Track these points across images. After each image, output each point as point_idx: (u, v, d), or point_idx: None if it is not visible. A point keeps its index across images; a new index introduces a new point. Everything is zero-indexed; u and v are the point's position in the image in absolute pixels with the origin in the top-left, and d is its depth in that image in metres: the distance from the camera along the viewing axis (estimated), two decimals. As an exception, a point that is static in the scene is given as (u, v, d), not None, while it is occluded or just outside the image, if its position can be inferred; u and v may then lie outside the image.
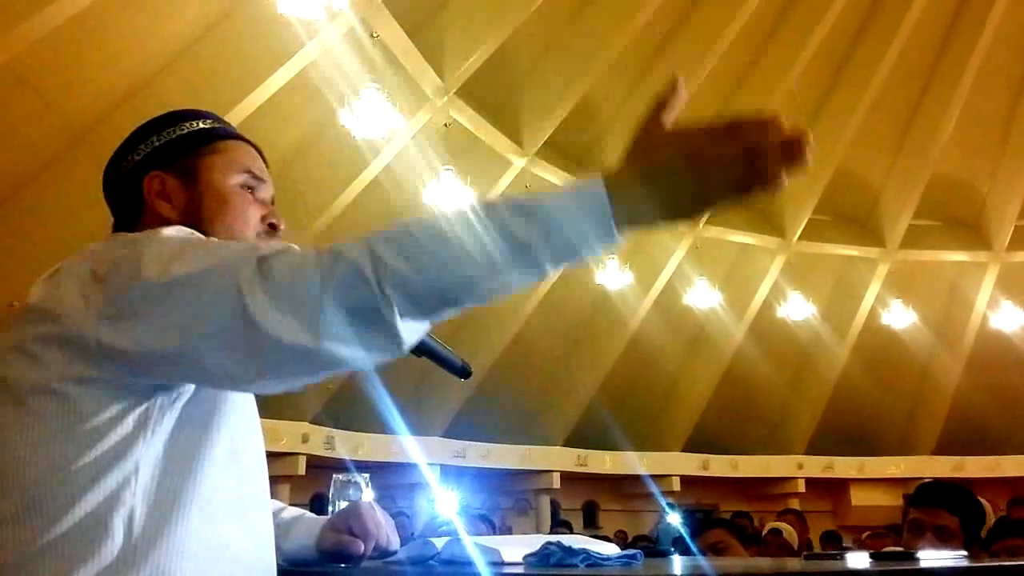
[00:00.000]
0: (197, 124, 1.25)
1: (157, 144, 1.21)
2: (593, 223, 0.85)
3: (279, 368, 0.89)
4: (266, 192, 1.26)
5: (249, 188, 1.23)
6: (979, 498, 2.56)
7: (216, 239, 1.06)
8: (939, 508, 2.32)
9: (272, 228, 1.23)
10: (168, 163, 1.20)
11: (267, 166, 1.30)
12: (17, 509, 0.95)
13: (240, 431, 1.07)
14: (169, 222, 1.14)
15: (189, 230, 1.07)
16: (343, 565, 1.30)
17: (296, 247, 0.91)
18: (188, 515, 0.97)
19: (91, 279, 0.98)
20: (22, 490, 0.95)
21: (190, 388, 1.02)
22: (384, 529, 1.33)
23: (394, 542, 1.35)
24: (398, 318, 0.85)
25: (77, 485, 0.94)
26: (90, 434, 0.95)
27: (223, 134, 1.27)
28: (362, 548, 1.29)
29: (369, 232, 0.87)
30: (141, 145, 1.21)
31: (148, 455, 0.97)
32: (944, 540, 2.25)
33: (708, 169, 0.87)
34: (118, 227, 1.20)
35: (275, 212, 1.26)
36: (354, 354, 0.87)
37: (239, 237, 1.18)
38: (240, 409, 1.08)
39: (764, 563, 2.06)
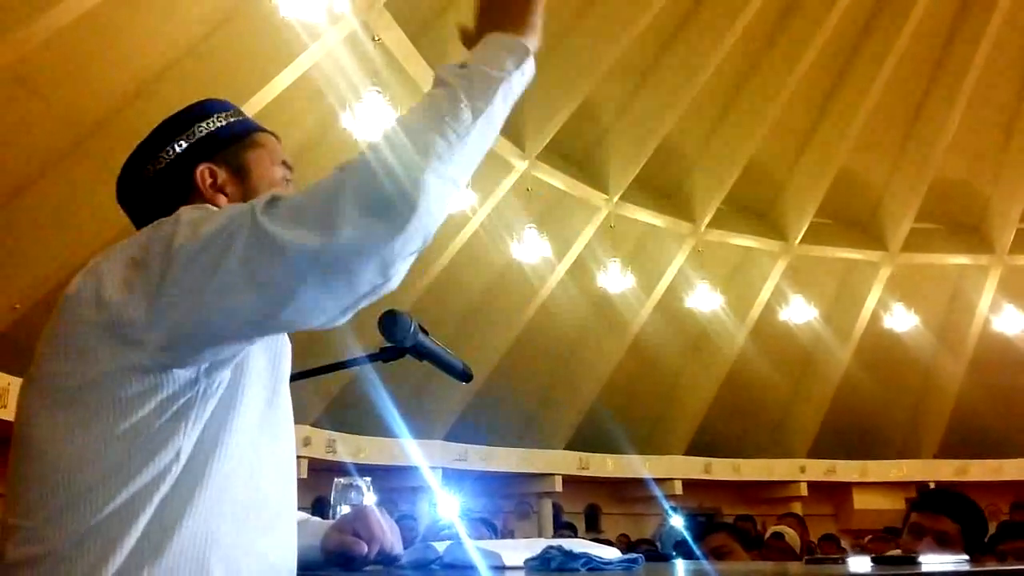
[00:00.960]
0: (230, 116, 1.26)
1: (201, 135, 1.21)
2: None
3: (306, 283, 0.91)
4: (295, 181, 1.30)
5: (288, 180, 1.27)
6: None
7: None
8: (941, 514, 2.33)
9: None
10: (212, 155, 1.20)
11: None
12: (63, 504, 0.96)
13: (269, 435, 1.08)
14: None
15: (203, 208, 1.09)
16: (346, 569, 1.30)
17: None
18: (218, 506, 0.99)
19: (131, 264, 0.99)
20: (67, 486, 0.96)
21: (226, 379, 1.02)
22: (389, 533, 1.33)
23: (398, 547, 1.34)
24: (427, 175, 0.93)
25: (120, 480, 0.96)
26: (135, 429, 0.97)
27: (256, 127, 1.29)
28: (365, 550, 1.28)
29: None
30: (180, 137, 1.21)
31: (186, 448, 0.98)
32: (944, 546, 2.25)
33: None
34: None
35: None
36: (371, 232, 0.89)
37: None
38: (272, 416, 1.09)
39: (766, 567, 2.06)
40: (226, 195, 1.19)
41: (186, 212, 1.01)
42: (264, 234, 0.90)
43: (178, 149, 1.20)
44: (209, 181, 1.19)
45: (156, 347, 0.96)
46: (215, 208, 1.09)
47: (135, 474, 0.96)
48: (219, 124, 1.23)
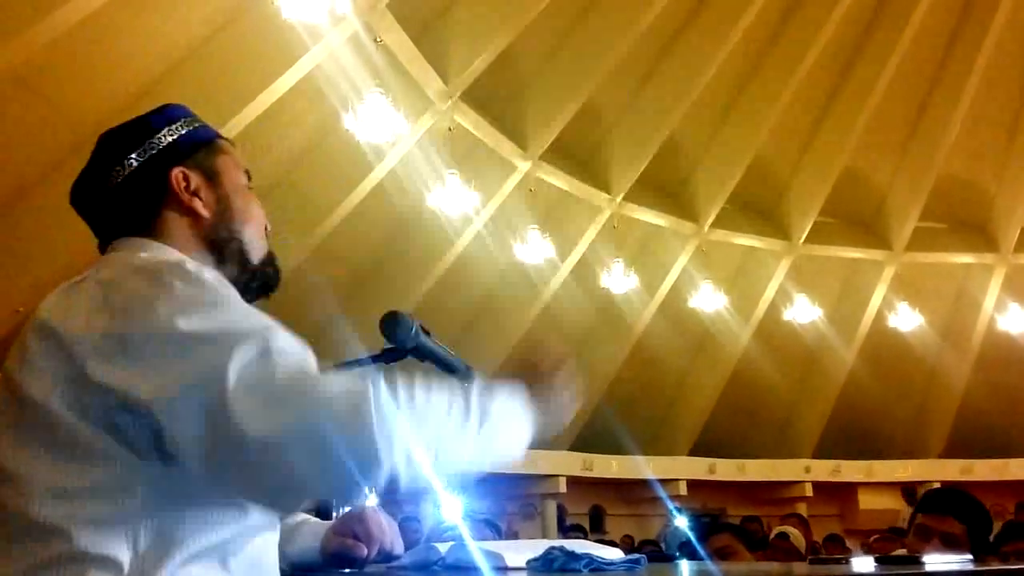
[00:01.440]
0: (194, 122, 1.24)
1: (172, 139, 1.19)
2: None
3: (236, 465, 0.88)
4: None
5: (249, 188, 1.25)
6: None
7: (230, 293, 1.02)
8: (947, 515, 2.32)
9: (264, 228, 1.26)
10: (182, 160, 1.18)
11: None
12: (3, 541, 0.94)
13: None
14: (202, 222, 1.15)
15: (205, 272, 1.03)
16: (346, 570, 1.30)
17: (308, 352, 0.96)
18: (189, 561, 0.95)
19: (103, 304, 0.97)
20: (10, 520, 0.94)
21: None
22: (388, 534, 1.33)
23: (398, 547, 1.35)
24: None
25: (69, 514, 0.92)
26: (83, 461, 0.93)
27: (216, 133, 1.27)
28: (365, 552, 1.28)
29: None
30: (150, 140, 1.18)
31: (146, 496, 0.94)
32: (950, 547, 2.24)
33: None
34: (128, 229, 1.16)
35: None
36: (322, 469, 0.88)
37: (260, 236, 1.21)
38: None
39: (771, 568, 2.05)
40: (200, 199, 1.17)
41: (177, 280, 0.97)
42: (225, 400, 0.87)
43: (150, 151, 1.17)
44: (184, 184, 1.16)
45: (97, 393, 0.96)
46: (210, 287, 1.00)
47: (87, 513, 0.95)
48: (186, 129, 1.21)
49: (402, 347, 1.38)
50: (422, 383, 0.96)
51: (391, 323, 1.36)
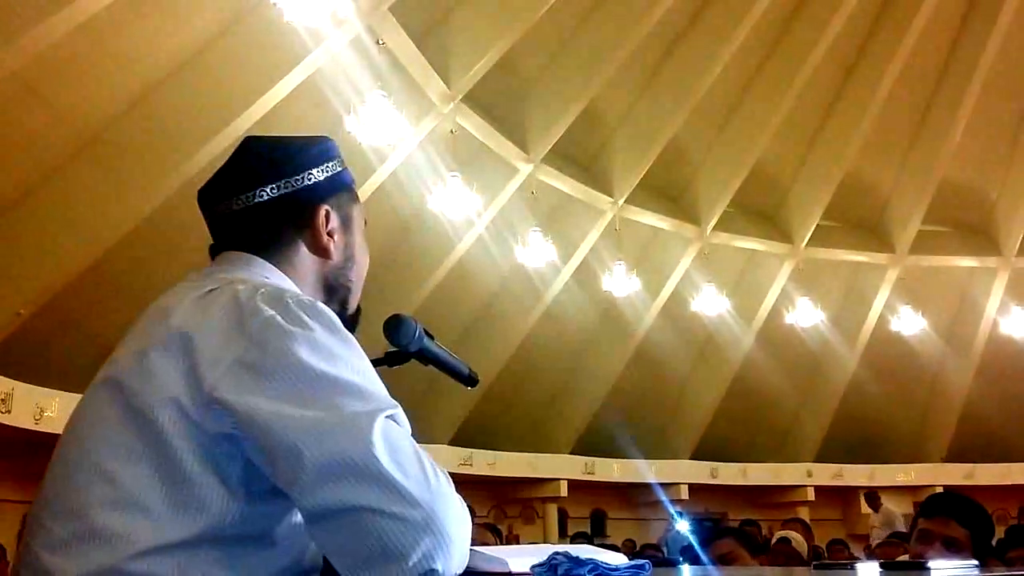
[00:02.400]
0: (343, 163, 1.24)
1: (331, 174, 1.18)
2: None
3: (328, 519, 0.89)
4: None
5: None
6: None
7: (358, 354, 1.01)
8: (949, 519, 2.30)
9: None
10: (329, 197, 1.18)
11: None
12: (72, 539, 0.93)
13: None
14: (325, 264, 1.17)
15: (337, 324, 1.02)
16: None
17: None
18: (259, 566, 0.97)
19: (238, 325, 0.96)
20: (82, 518, 0.93)
21: None
22: None
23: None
24: None
25: (151, 529, 0.91)
26: (174, 471, 0.93)
27: (352, 179, 1.27)
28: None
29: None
30: (314, 169, 1.16)
31: (231, 511, 0.95)
32: (953, 552, 2.22)
33: None
34: (252, 246, 1.14)
35: None
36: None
37: (360, 287, 1.24)
38: None
39: (774, 573, 2.03)
40: (334, 241, 1.18)
41: (315, 322, 0.98)
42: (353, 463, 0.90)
43: (306, 182, 1.15)
44: (327, 225, 1.17)
45: (215, 411, 0.97)
46: (344, 341, 1.00)
47: (169, 526, 0.97)
48: (339, 169, 1.21)
49: (405, 350, 1.37)
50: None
51: (394, 326, 1.35)
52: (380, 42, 8.07)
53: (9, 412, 7.23)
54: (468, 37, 9.05)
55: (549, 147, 10.36)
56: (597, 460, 13.33)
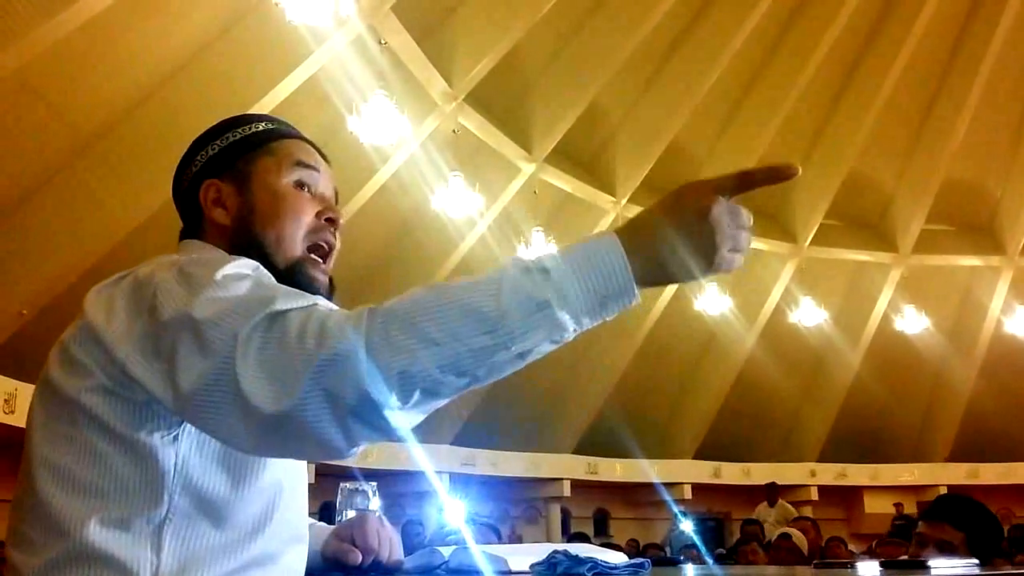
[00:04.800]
0: (252, 127, 1.20)
1: (213, 153, 1.18)
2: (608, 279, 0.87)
3: (265, 433, 0.86)
4: (323, 185, 1.22)
5: (303, 185, 1.18)
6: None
7: (246, 271, 0.97)
8: (943, 523, 2.28)
9: (329, 222, 1.19)
10: (224, 170, 1.16)
11: (327, 162, 1.26)
12: (33, 532, 0.95)
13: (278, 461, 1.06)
14: (225, 229, 1.13)
15: (221, 257, 1.02)
16: (345, 574, 1.29)
17: (318, 306, 0.88)
18: (220, 545, 0.97)
19: (137, 301, 0.97)
20: (39, 510, 0.95)
21: None
22: (387, 544, 1.31)
23: (396, 555, 1.33)
24: (391, 409, 0.86)
25: (105, 507, 0.94)
26: (118, 450, 0.95)
27: (277, 134, 1.21)
28: (360, 559, 1.27)
29: (378, 316, 0.85)
30: (199, 155, 1.18)
31: (179, 474, 0.96)
32: (946, 555, 2.20)
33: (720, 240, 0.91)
34: (188, 231, 1.19)
35: (332, 206, 1.21)
36: (332, 435, 0.85)
37: (292, 238, 1.14)
38: None
39: (775, 572, 2.03)
40: (225, 208, 1.14)
41: (188, 269, 0.96)
42: (235, 381, 0.84)
43: (195, 168, 1.18)
44: (213, 197, 1.15)
45: (134, 386, 0.96)
46: (221, 270, 0.95)
47: (120, 505, 0.97)
48: (235, 137, 1.19)
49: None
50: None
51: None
52: (382, 42, 8.08)
53: (13, 412, 7.25)
54: (470, 36, 9.05)
55: (551, 146, 10.36)
56: (600, 460, 13.33)
